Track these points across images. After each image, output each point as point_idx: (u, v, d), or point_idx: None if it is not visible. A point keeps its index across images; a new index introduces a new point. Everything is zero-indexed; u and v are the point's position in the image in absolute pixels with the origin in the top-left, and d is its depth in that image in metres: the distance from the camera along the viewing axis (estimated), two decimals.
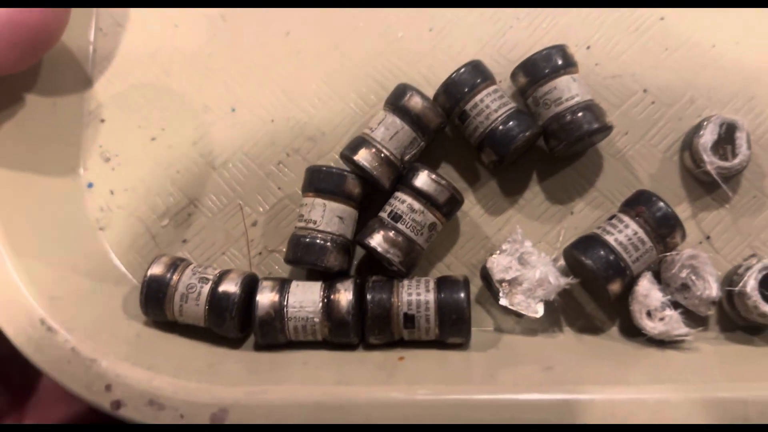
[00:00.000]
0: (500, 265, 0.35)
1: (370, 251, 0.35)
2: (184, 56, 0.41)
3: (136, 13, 0.42)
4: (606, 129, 0.36)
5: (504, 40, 0.40)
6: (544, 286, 0.34)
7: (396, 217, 0.35)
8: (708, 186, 0.38)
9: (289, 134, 0.40)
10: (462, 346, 0.35)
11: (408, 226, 0.35)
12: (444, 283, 0.35)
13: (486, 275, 0.36)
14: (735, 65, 0.39)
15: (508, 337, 0.37)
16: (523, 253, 0.35)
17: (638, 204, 0.35)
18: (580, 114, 0.35)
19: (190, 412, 0.31)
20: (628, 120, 0.39)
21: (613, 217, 0.36)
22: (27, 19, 0.34)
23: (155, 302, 0.35)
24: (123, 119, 0.41)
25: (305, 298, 0.35)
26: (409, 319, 0.34)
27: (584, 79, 0.37)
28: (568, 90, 0.36)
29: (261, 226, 0.39)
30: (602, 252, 0.34)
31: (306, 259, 0.35)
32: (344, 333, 0.34)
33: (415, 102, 0.36)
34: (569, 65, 0.36)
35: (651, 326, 0.34)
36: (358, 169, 0.36)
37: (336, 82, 0.40)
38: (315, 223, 0.35)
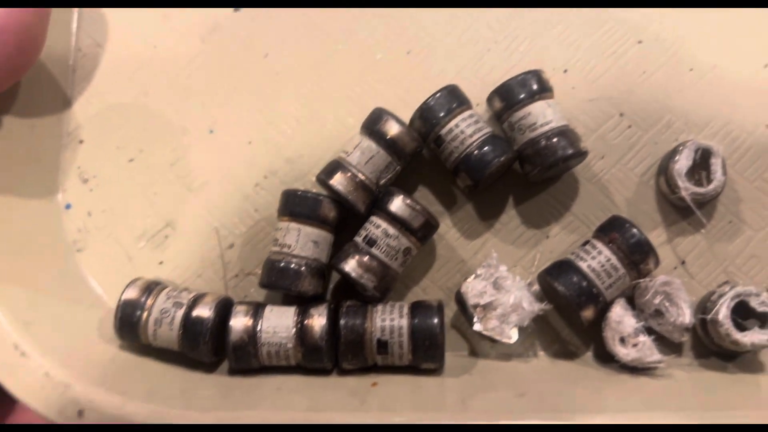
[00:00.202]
0: (475, 289, 0.35)
1: (345, 276, 0.35)
2: (163, 77, 0.41)
3: (115, 34, 0.42)
4: (580, 154, 0.36)
5: (482, 63, 0.40)
6: (518, 312, 0.34)
7: (371, 242, 0.35)
8: (684, 211, 0.38)
9: (266, 156, 0.40)
10: (436, 371, 0.35)
11: (383, 251, 0.35)
12: (418, 309, 0.35)
13: (461, 300, 0.36)
14: (712, 89, 0.39)
15: (483, 362, 0.36)
16: (498, 277, 0.35)
17: (612, 230, 0.35)
18: (554, 139, 0.35)
19: None
20: (605, 144, 0.39)
21: (586, 242, 0.36)
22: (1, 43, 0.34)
23: (129, 327, 0.35)
24: (101, 140, 0.41)
25: (279, 323, 0.35)
26: (383, 345, 0.34)
27: (561, 102, 0.37)
28: (543, 115, 0.36)
29: (238, 248, 0.39)
30: (575, 278, 0.34)
31: (280, 283, 0.35)
32: (317, 358, 0.34)
33: (391, 126, 0.36)
34: (544, 90, 0.36)
35: (624, 353, 0.34)
36: (334, 194, 0.36)
37: (314, 103, 0.41)
38: (289, 247, 0.35)
